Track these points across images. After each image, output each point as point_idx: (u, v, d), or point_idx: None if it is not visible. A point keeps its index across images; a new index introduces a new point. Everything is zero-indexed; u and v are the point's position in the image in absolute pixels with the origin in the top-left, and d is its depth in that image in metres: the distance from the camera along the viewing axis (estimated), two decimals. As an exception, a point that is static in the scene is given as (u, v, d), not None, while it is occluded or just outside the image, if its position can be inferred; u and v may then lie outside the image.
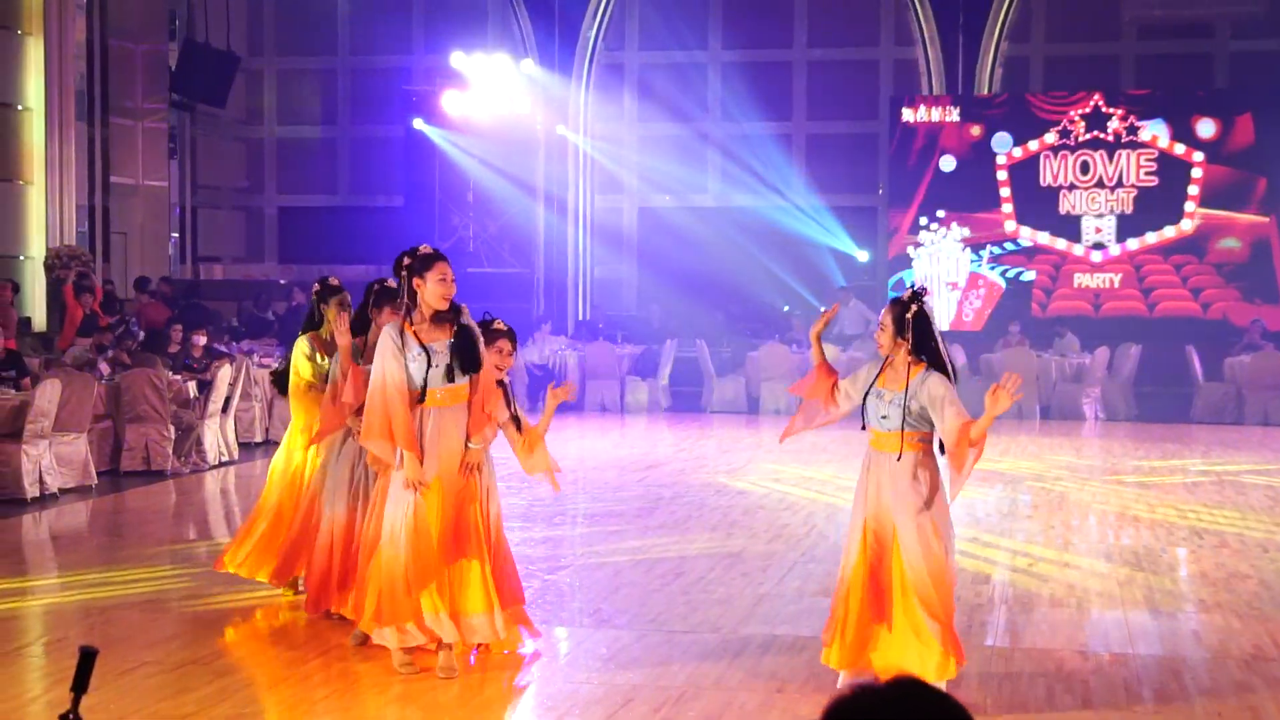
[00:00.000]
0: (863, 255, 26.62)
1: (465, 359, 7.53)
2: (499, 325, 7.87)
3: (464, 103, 25.08)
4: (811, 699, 7.15)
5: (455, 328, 7.54)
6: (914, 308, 7.01)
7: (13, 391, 13.53)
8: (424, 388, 7.51)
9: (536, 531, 11.78)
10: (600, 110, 26.81)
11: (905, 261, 25.05)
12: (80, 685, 3.13)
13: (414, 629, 7.45)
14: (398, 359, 7.49)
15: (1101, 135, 24.43)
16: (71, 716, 3.11)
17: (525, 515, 12.46)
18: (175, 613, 8.94)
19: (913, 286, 7.23)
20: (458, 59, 25.02)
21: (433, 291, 7.48)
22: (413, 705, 7.13)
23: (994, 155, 24.76)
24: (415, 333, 7.52)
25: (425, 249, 7.59)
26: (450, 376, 7.51)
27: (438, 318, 7.55)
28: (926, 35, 25.32)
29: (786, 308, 26.00)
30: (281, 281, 26.64)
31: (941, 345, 7.10)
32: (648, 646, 8.09)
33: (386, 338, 7.53)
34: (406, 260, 7.54)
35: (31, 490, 13.01)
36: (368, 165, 28.50)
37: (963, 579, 10.06)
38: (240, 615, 8.86)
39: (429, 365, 7.51)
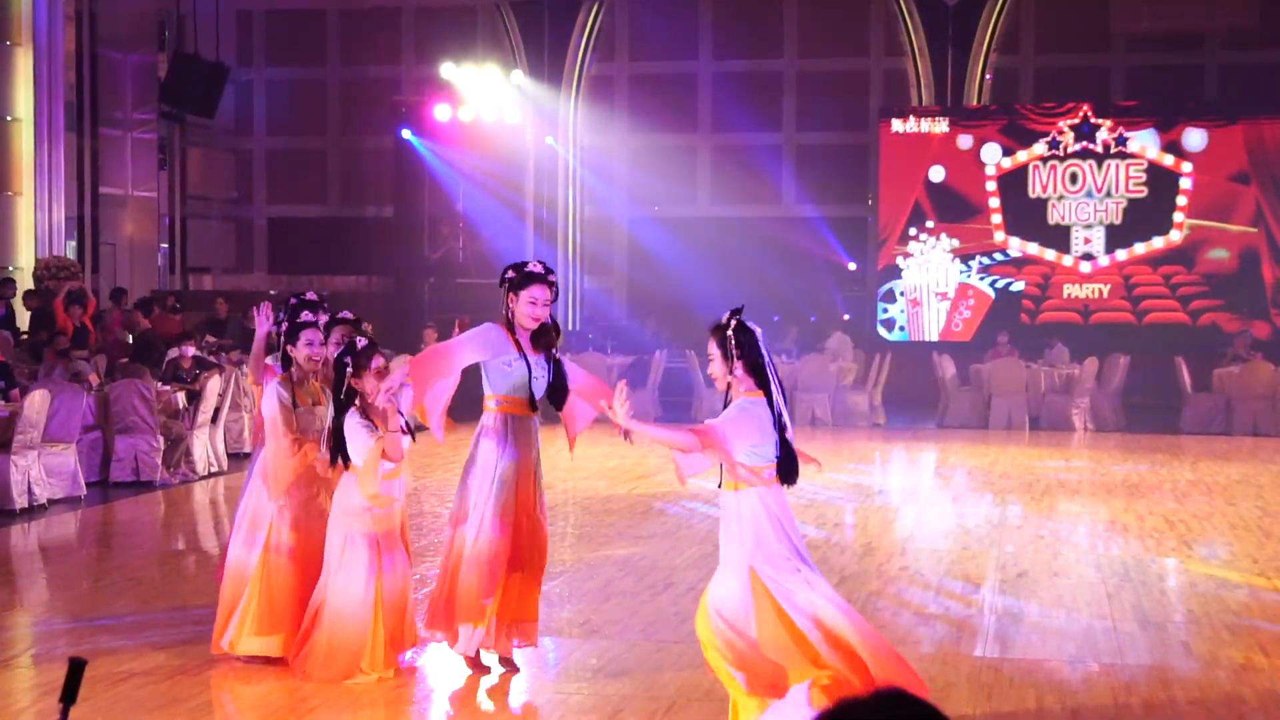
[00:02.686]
0: (852, 265, 26.67)
1: (556, 396, 7.68)
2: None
3: (453, 113, 25.11)
4: (802, 711, 7.14)
5: (551, 358, 7.68)
6: (733, 323, 6.42)
7: (1, 403, 13.51)
8: (532, 397, 7.62)
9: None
10: (590, 121, 26.85)
11: (895, 272, 25.10)
12: (69, 696, 3.13)
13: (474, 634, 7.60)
14: (481, 353, 7.55)
15: (1091, 146, 24.50)
16: (61, 727, 3.11)
17: (515, 526, 12.45)
18: (164, 624, 8.93)
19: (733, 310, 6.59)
20: (447, 69, 25.06)
21: (521, 311, 7.57)
22: (402, 715, 7.13)
23: (983, 166, 24.82)
24: (517, 341, 7.58)
25: (532, 266, 7.67)
26: (544, 396, 7.68)
27: (534, 338, 7.63)
28: (916, 46, 25.39)
29: (777, 318, 26.02)
30: (271, 292, 26.63)
31: (768, 362, 6.35)
32: (638, 657, 8.10)
33: (489, 329, 7.62)
34: (509, 274, 7.64)
35: (20, 501, 12.98)
36: (357, 175, 28.52)
37: (952, 589, 10.08)
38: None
39: (530, 374, 7.58)
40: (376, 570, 7.48)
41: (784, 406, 6.32)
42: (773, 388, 6.26)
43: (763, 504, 6.19)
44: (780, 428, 6.20)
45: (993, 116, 25.02)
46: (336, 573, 7.48)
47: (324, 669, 7.47)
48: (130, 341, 19.20)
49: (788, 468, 6.22)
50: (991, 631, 8.97)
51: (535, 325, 7.63)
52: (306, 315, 8.11)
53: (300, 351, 8.01)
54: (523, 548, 7.63)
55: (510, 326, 7.64)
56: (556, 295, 7.72)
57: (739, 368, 6.28)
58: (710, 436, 6.09)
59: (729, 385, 6.31)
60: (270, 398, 7.92)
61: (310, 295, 8.32)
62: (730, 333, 6.35)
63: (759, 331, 6.39)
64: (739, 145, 27.16)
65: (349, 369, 7.38)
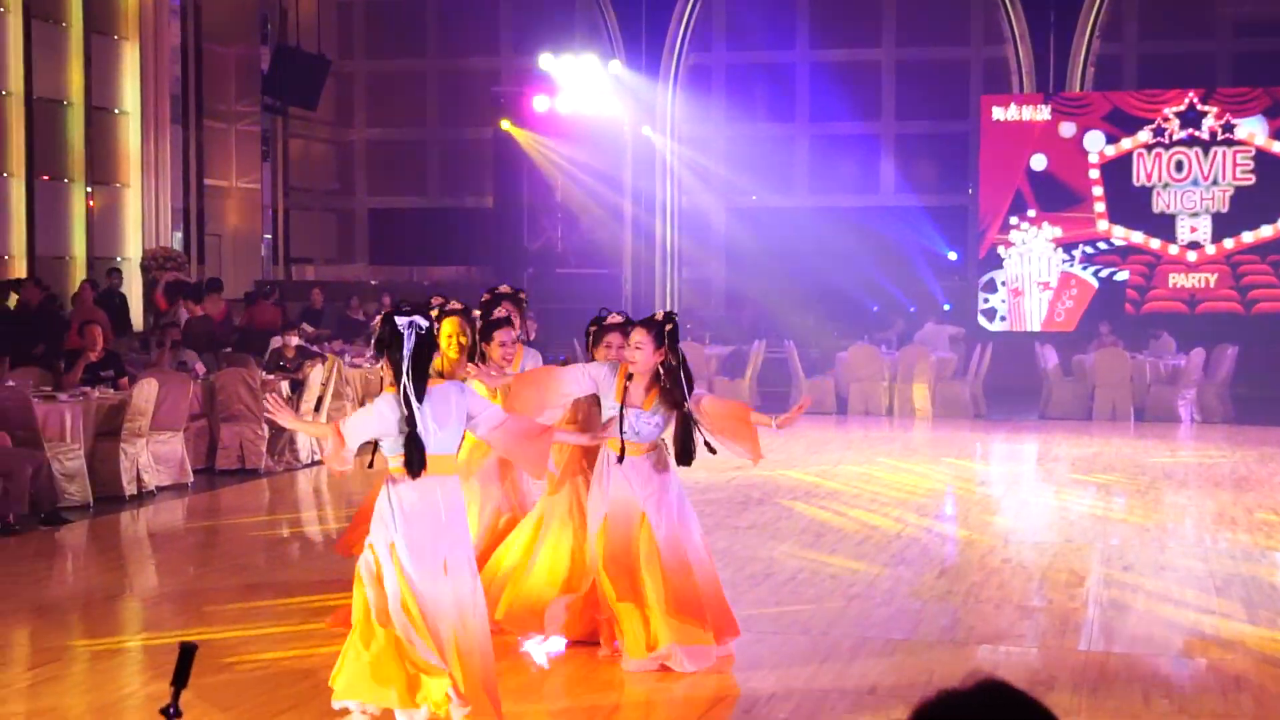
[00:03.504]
0: (953, 255, 26.45)
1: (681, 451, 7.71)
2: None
3: (552, 104, 25.17)
4: (903, 701, 7.11)
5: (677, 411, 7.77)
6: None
7: (111, 391, 13.74)
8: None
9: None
10: (688, 111, 26.81)
11: (996, 261, 24.85)
12: (180, 680, 3.17)
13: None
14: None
15: (1196, 133, 24.10)
16: (172, 710, 3.15)
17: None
18: (269, 610, 9.04)
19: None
20: (546, 60, 25.12)
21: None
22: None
23: (1086, 154, 24.50)
24: (623, 387, 7.68)
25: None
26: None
27: (661, 391, 7.71)
28: (1017, 33, 25.10)
29: (876, 308, 25.88)
30: (372, 282, 26.87)
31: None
32: (738, 647, 8.08)
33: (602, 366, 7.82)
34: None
35: (129, 488, 13.20)
36: (457, 167, 28.69)
37: (1056, 581, 9.97)
38: (332, 613, 8.91)
39: (621, 425, 7.67)
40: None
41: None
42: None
43: None
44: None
45: (1096, 104, 24.69)
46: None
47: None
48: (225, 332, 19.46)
49: None
50: (1096, 625, 8.86)
51: (636, 366, 7.64)
52: (499, 312, 8.40)
53: (495, 350, 8.29)
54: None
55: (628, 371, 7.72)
56: (657, 336, 7.62)
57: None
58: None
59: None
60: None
61: (504, 288, 8.49)
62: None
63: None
64: (837, 134, 27.02)
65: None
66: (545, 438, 7.09)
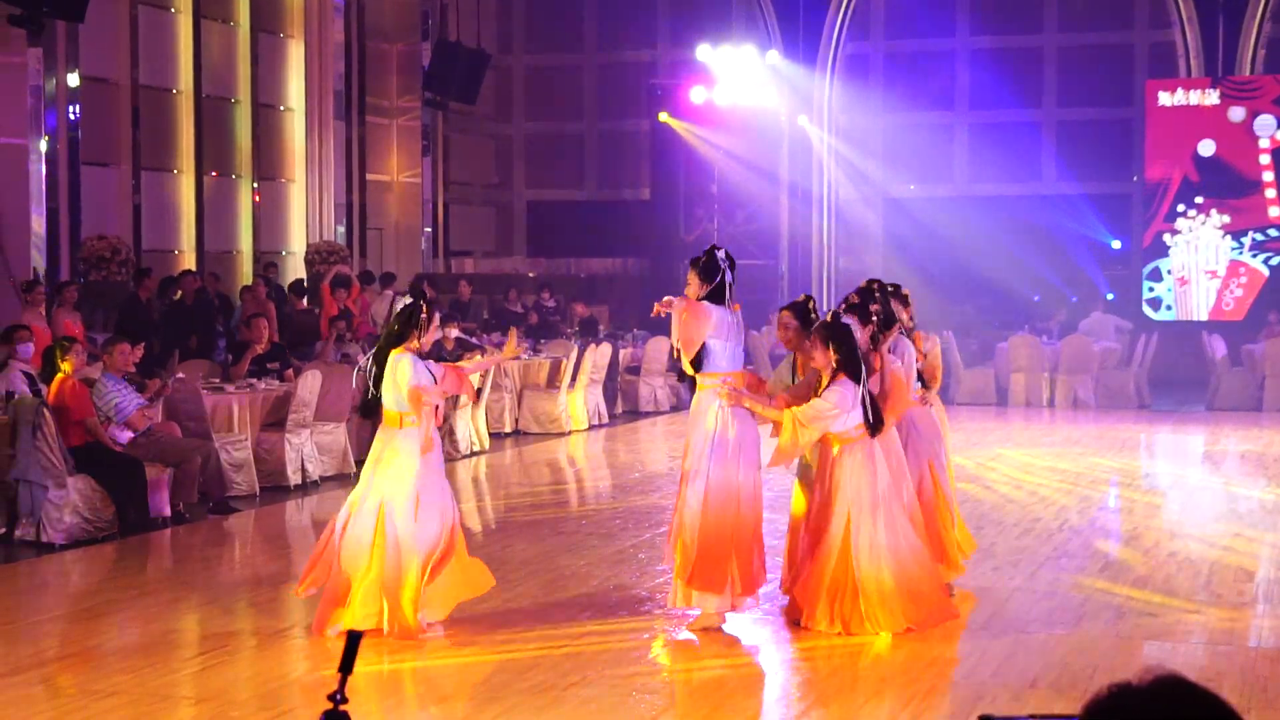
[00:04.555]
0: (1117, 244, 25.94)
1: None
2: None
3: (709, 95, 25.15)
4: (1063, 696, 7.00)
5: None
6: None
7: (277, 383, 14.02)
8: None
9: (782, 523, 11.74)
10: (845, 100, 26.62)
11: (1162, 250, 24.32)
12: (347, 667, 3.22)
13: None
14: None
15: (1372, 116, 23.36)
16: (339, 696, 3.21)
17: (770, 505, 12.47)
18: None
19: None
20: (703, 52, 25.11)
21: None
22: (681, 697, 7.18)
23: (1256, 139, 23.87)
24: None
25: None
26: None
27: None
28: (1184, 16, 24.53)
29: (1037, 298, 25.49)
30: (530, 275, 27.08)
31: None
32: (895, 642, 8.01)
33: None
34: None
35: (294, 478, 13.46)
36: (615, 159, 28.80)
37: (1224, 576, 9.73)
38: (492, 598, 9.00)
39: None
40: None
41: None
42: None
43: None
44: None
45: (1267, 87, 24.02)
46: None
47: None
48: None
49: None
50: (1267, 622, 8.64)
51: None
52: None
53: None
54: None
55: None
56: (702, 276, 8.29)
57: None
58: None
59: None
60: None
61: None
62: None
63: None
64: (997, 122, 26.63)
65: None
66: None
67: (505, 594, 9.03)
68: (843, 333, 8.05)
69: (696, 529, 8.03)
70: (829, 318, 8.33)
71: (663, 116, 25.71)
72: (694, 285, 8.28)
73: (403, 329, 8.16)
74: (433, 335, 8.36)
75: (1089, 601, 9.02)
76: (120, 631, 8.48)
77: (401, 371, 8.00)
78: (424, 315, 8.16)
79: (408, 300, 8.50)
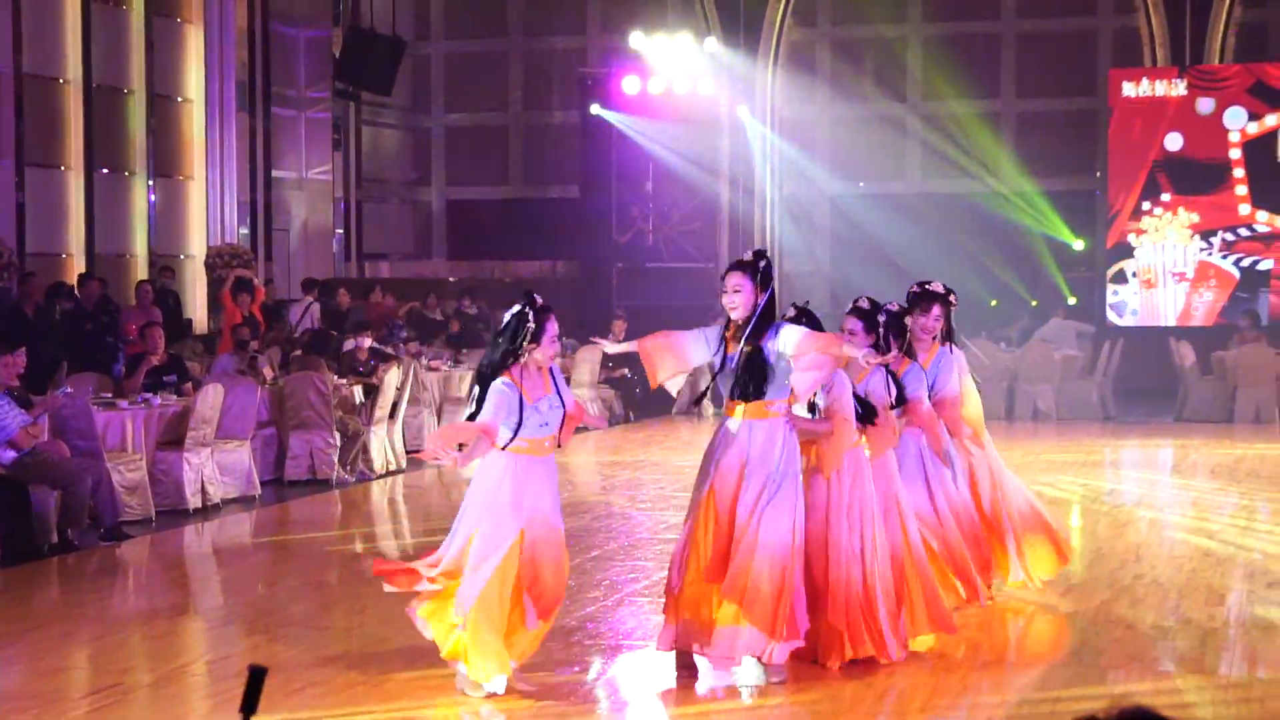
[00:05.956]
0: (1079, 244, 26.18)
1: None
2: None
3: (643, 86, 25.19)
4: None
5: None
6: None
7: (174, 398, 13.91)
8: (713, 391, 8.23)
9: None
10: (789, 91, 26.73)
11: (1126, 250, 24.58)
12: (249, 706, 3.20)
13: None
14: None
15: (1349, 107, 23.72)
16: (240, 739, 3.19)
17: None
18: (342, 628, 9.11)
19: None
20: (637, 39, 25.15)
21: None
22: None
23: (1226, 132, 24.17)
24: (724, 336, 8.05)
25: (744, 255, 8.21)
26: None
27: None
28: (1150, 2, 24.81)
29: (995, 302, 25.69)
30: (450, 279, 27.02)
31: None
32: (851, 669, 8.04)
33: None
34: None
35: (194, 501, 13.35)
36: (541, 154, 28.79)
37: (1194, 600, 9.83)
38: (407, 633, 8.97)
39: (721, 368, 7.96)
40: None
41: None
42: None
43: None
44: None
45: (1237, 76, 24.34)
46: None
47: None
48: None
49: None
50: (1239, 647, 8.74)
51: (733, 314, 7.86)
52: None
53: None
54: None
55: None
56: (761, 281, 7.85)
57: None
58: None
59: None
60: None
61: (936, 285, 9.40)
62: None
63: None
64: (952, 114, 26.82)
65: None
66: None
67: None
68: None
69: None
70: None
71: (594, 108, 25.72)
72: (746, 292, 7.82)
73: (510, 343, 7.52)
74: (549, 349, 7.57)
75: (1050, 628, 9.08)
76: (3, 671, 8.39)
77: (489, 401, 7.54)
78: (531, 325, 7.49)
79: (515, 308, 7.63)
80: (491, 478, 7.67)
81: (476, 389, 7.66)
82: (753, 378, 7.73)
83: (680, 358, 7.98)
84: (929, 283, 9.58)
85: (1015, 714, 7.37)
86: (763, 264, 7.87)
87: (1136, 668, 8.28)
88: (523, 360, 7.52)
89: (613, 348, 8.45)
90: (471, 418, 7.61)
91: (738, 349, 7.80)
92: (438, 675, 7.93)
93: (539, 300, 7.56)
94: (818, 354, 7.58)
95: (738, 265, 7.93)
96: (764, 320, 7.78)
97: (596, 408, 20.91)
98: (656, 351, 7.99)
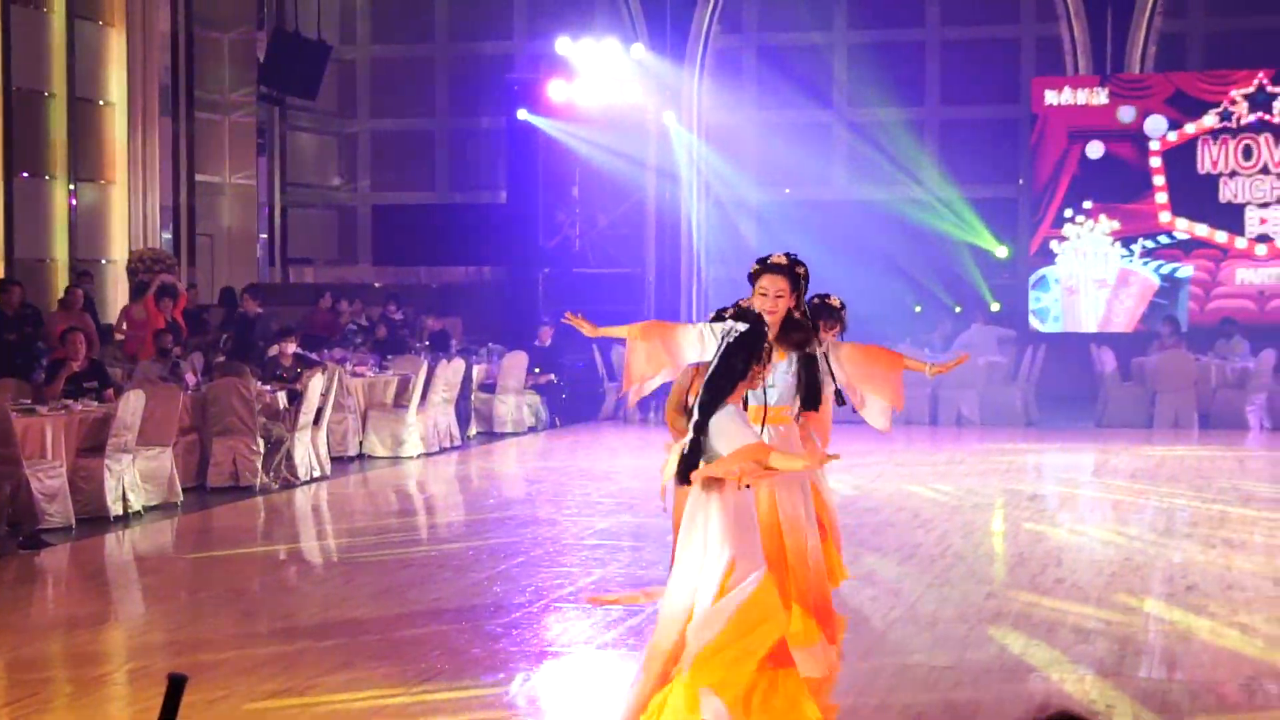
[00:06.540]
0: (1002, 251, 26.38)
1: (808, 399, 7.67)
2: None
3: (570, 92, 25.19)
4: None
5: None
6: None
7: (95, 404, 13.79)
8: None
9: (649, 553, 11.79)
10: (716, 97, 26.79)
11: (1049, 257, 24.79)
12: (169, 715, 3.18)
13: None
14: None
15: (1267, 117, 24.02)
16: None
17: (636, 534, 12.49)
18: (265, 637, 9.05)
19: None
20: (563, 45, 25.14)
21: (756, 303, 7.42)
22: None
23: (1147, 140, 24.43)
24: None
25: (774, 258, 7.64)
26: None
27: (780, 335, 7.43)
28: (1071, 10, 25.03)
29: (919, 308, 25.83)
30: (376, 285, 26.91)
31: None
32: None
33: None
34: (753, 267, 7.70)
35: (114, 508, 13.23)
36: (468, 159, 28.73)
37: (1114, 603, 9.93)
38: (333, 638, 8.94)
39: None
40: None
41: None
42: None
43: None
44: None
45: (1157, 86, 24.60)
46: None
47: None
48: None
49: None
50: (1158, 650, 8.83)
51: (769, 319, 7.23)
52: None
53: None
54: None
55: None
56: (800, 286, 7.59)
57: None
58: None
59: None
60: None
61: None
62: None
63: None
64: (878, 121, 26.95)
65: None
66: None
67: (348, 632, 8.97)
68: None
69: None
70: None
71: (520, 114, 25.67)
72: (786, 296, 7.45)
73: (746, 365, 6.46)
74: (769, 370, 6.87)
75: (973, 632, 9.15)
76: (-82, 680, 8.29)
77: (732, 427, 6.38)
78: (767, 344, 6.59)
79: (740, 327, 6.53)
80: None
81: (697, 410, 6.44)
82: (811, 387, 7.56)
83: (673, 353, 7.29)
84: (828, 296, 9.42)
85: (942, 715, 7.40)
86: (801, 270, 7.56)
87: (1059, 670, 8.34)
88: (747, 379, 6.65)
89: (596, 331, 7.75)
90: (695, 442, 6.36)
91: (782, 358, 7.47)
92: (363, 681, 7.90)
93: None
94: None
95: (776, 268, 7.49)
96: (804, 328, 7.55)
97: (524, 413, 20.92)
98: (648, 342, 7.40)
